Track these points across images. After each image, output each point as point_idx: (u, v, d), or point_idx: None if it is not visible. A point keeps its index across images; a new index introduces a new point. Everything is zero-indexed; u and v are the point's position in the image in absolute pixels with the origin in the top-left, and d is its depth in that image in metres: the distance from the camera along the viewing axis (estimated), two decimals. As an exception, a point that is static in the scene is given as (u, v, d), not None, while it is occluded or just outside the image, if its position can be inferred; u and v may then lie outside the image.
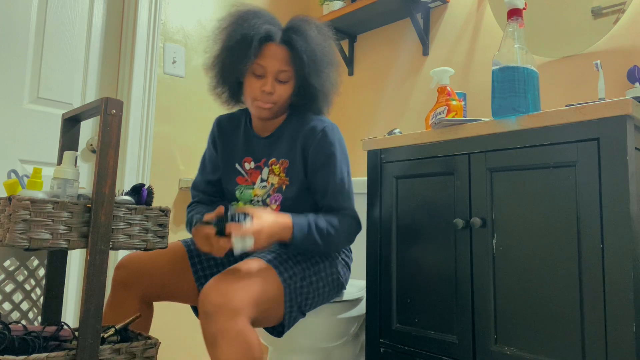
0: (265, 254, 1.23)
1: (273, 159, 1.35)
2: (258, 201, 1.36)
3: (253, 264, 1.16)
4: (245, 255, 1.38)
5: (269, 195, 1.34)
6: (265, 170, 1.36)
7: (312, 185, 1.33)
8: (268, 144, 1.37)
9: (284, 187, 1.33)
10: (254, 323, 1.13)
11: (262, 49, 1.26)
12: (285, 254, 1.25)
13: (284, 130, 1.36)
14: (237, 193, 1.39)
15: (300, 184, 1.32)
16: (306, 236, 1.20)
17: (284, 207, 1.33)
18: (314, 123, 1.32)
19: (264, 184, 1.35)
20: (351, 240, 1.30)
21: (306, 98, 1.35)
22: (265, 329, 1.23)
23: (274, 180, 1.34)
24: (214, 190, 1.48)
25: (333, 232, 1.24)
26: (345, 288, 1.39)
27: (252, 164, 1.38)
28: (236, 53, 1.26)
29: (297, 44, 1.25)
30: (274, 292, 1.15)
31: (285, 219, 1.19)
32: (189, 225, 1.38)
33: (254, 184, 1.37)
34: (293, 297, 1.20)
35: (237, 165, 1.40)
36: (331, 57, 1.33)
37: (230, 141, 1.43)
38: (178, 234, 2.04)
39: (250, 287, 1.10)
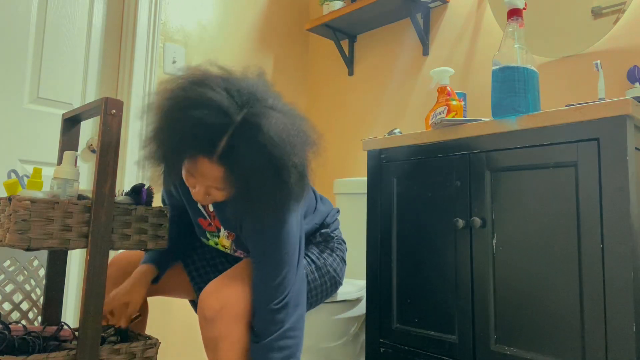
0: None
1: (228, 232, 1.22)
2: (226, 249, 1.28)
3: (252, 267, 1.16)
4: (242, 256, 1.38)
5: (234, 250, 1.27)
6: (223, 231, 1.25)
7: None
8: (219, 205, 1.20)
9: (240, 253, 1.27)
10: None
11: (194, 159, 0.98)
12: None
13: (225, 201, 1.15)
14: (206, 235, 1.28)
15: None
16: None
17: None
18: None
19: (226, 233, 1.24)
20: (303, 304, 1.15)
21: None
22: None
23: (226, 243, 1.25)
24: (183, 209, 1.33)
25: (291, 330, 1.10)
26: (341, 284, 1.38)
27: (212, 208, 1.22)
28: (166, 158, 1.00)
29: (232, 168, 0.96)
30: None
31: None
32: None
33: (218, 230, 1.24)
34: None
35: (199, 205, 1.24)
36: (284, 174, 0.98)
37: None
38: (178, 234, 2.04)
39: (249, 291, 1.10)
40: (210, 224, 1.25)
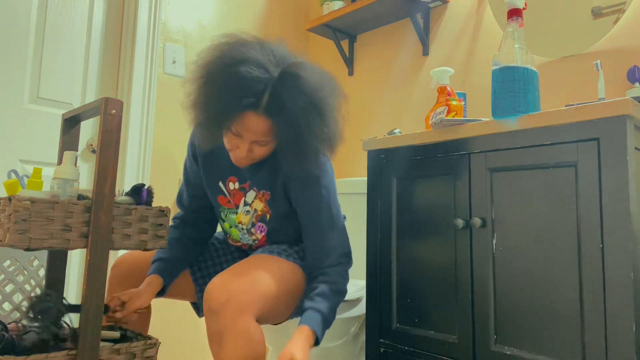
0: (272, 248, 1.23)
1: (262, 192, 1.25)
2: (242, 229, 1.29)
3: (258, 259, 1.16)
4: (250, 251, 1.38)
5: (253, 225, 1.28)
6: (251, 194, 1.26)
7: (300, 222, 1.25)
8: (251, 172, 1.25)
9: (267, 216, 1.26)
10: (261, 320, 1.13)
11: (239, 115, 1.07)
12: (290, 247, 1.25)
13: (266, 160, 1.23)
14: (223, 215, 1.31)
15: (284, 215, 1.26)
16: (326, 326, 1.16)
17: (269, 237, 1.28)
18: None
19: (247, 208, 1.26)
20: (344, 294, 1.25)
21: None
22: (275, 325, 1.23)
23: (259, 206, 1.25)
24: (199, 205, 1.36)
25: (336, 301, 1.19)
26: None
27: (237, 185, 1.27)
28: (210, 117, 1.08)
29: (277, 118, 1.06)
30: (284, 285, 1.15)
31: (306, 335, 1.10)
32: (155, 257, 1.29)
33: (237, 206, 1.27)
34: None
35: (220, 184, 1.29)
36: (324, 116, 1.09)
37: (214, 155, 1.28)
38: (178, 234, 2.04)
39: (258, 283, 1.09)
40: (229, 202, 1.28)
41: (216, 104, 1.05)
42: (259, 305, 1.08)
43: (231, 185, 1.27)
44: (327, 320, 1.15)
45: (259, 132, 1.08)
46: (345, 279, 1.23)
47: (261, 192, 1.24)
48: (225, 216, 1.30)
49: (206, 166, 1.29)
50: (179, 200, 1.37)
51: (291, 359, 1.03)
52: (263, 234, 1.28)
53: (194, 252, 1.34)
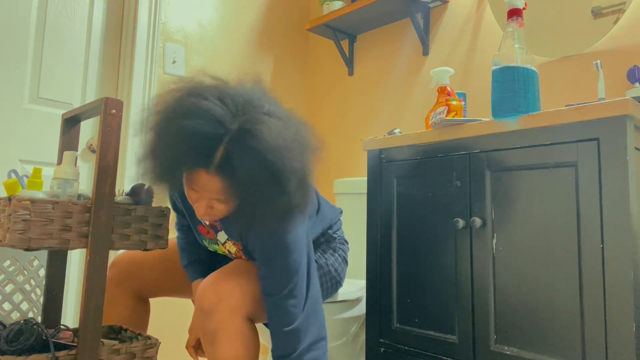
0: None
1: (233, 242, 1.20)
2: (231, 254, 1.26)
3: (252, 261, 1.16)
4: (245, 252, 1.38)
5: (235, 256, 1.24)
6: (222, 235, 1.21)
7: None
8: (221, 222, 1.19)
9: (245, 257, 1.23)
10: (256, 319, 1.13)
11: (192, 172, 0.96)
12: None
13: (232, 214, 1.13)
14: (205, 242, 1.28)
15: None
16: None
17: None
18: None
19: (223, 247, 1.24)
20: (321, 313, 1.15)
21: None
22: (266, 325, 1.23)
23: (232, 249, 1.22)
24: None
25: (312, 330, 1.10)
26: (342, 285, 1.39)
27: (206, 222, 1.22)
28: (162, 175, 0.98)
29: (229, 178, 0.93)
30: None
31: None
32: (184, 261, 1.28)
33: (216, 240, 1.24)
34: None
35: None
36: (285, 184, 0.94)
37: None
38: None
39: (249, 283, 1.09)
40: (208, 232, 1.24)
41: (165, 160, 0.94)
42: (250, 305, 1.08)
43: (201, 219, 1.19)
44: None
45: (213, 190, 0.96)
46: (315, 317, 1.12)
47: (233, 241, 1.20)
48: (208, 244, 1.27)
49: (183, 196, 1.24)
50: (174, 206, 1.33)
51: None
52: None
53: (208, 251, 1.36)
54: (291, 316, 1.06)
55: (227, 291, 1.06)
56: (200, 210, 1.00)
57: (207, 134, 0.91)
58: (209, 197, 0.98)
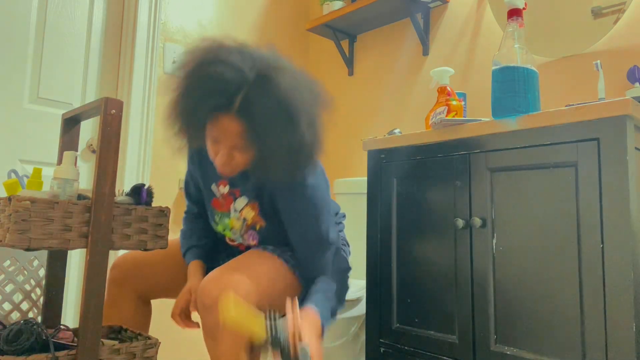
0: (266, 246, 1.23)
1: (251, 204, 1.23)
2: (235, 233, 1.28)
3: (254, 256, 1.16)
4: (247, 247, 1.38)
5: (245, 231, 1.26)
6: (241, 201, 1.24)
7: (288, 235, 1.23)
8: (243, 175, 1.23)
9: (257, 226, 1.24)
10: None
11: (213, 117, 1.06)
12: (287, 251, 1.24)
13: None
14: (216, 217, 1.30)
15: (276, 225, 1.24)
16: (330, 314, 1.16)
17: (262, 243, 1.27)
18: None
19: (238, 214, 1.25)
20: (346, 283, 1.26)
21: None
22: None
23: (249, 215, 1.24)
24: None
25: (336, 289, 1.20)
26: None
27: (227, 189, 1.26)
28: (187, 119, 1.08)
29: (250, 120, 1.03)
30: (277, 280, 1.15)
31: (314, 319, 1.09)
32: (184, 248, 1.32)
33: (229, 210, 1.27)
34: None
35: (212, 186, 1.28)
36: (299, 124, 1.04)
37: (206, 158, 1.29)
38: (178, 234, 2.04)
39: (251, 278, 1.09)
40: (222, 205, 1.27)
41: (190, 105, 1.05)
42: (252, 300, 1.08)
43: (221, 189, 1.27)
44: (330, 305, 1.16)
45: (233, 134, 1.05)
46: (344, 287, 1.23)
47: (251, 203, 1.23)
48: (219, 219, 1.29)
49: (201, 169, 1.29)
50: (187, 191, 1.39)
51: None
52: (255, 241, 1.27)
53: (212, 240, 1.37)
54: (323, 252, 1.19)
55: (229, 284, 1.05)
56: (221, 159, 1.09)
57: (229, 80, 1.02)
58: (230, 143, 1.07)
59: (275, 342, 0.98)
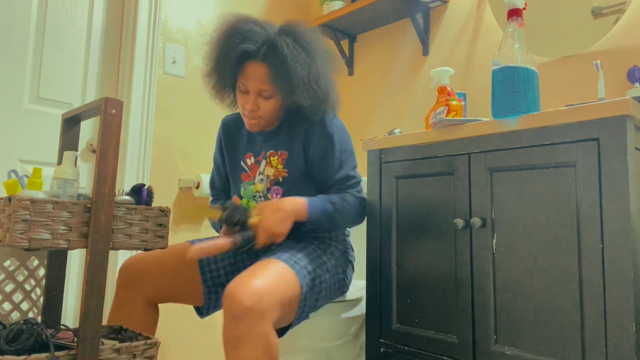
0: (280, 254, 1.22)
1: (271, 151, 1.38)
2: (260, 196, 1.37)
3: (272, 265, 1.15)
4: (259, 253, 1.39)
5: (268, 190, 1.36)
6: (263, 163, 1.39)
7: (315, 176, 1.36)
8: (268, 138, 1.39)
9: (280, 179, 1.35)
10: (276, 324, 1.13)
11: (242, 67, 1.27)
12: (298, 252, 1.24)
13: (283, 125, 1.39)
14: (242, 190, 1.41)
15: (299, 175, 1.34)
16: (321, 209, 1.27)
17: (285, 194, 1.36)
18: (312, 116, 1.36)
19: (261, 177, 1.38)
20: (363, 215, 1.37)
21: (298, 107, 1.34)
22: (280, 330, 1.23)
23: (270, 172, 1.36)
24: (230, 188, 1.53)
25: (347, 206, 1.30)
26: (348, 289, 1.39)
27: (252, 159, 1.41)
28: (220, 72, 1.29)
29: (274, 62, 1.24)
30: (293, 294, 1.15)
31: (296, 198, 1.26)
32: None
33: (254, 178, 1.40)
34: (307, 298, 1.19)
35: (241, 162, 1.44)
36: (317, 66, 1.28)
37: (235, 140, 1.47)
38: (178, 234, 2.04)
39: (276, 289, 1.09)
40: (249, 176, 1.41)
41: (222, 53, 1.26)
42: (277, 311, 1.08)
43: (248, 161, 1.42)
44: (325, 207, 1.27)
45: (260, 78, 1.25)
46: (361, 206, 1.36)
47: (279, 153, 1.37)
48: (245, 190, 1.41)
49: (230, 151, 1.46)
50: (212, 187, 1.55)
51: (271, 233, 1.19)
52: (279, 197, 1.35)
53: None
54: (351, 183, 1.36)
55: (259, 296, 1.05)
56: (248, 107, 1.28)
57: (255, 32, 1.26)
58: (257, 88, 1.27)
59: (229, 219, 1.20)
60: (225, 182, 1.53)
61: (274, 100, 1.29)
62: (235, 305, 1.04)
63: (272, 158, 1.38)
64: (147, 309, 1.30)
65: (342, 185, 1.34)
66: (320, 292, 1.24)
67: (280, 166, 1.36)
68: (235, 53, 1.24)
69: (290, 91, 1.25)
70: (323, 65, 1.29)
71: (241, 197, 1.41)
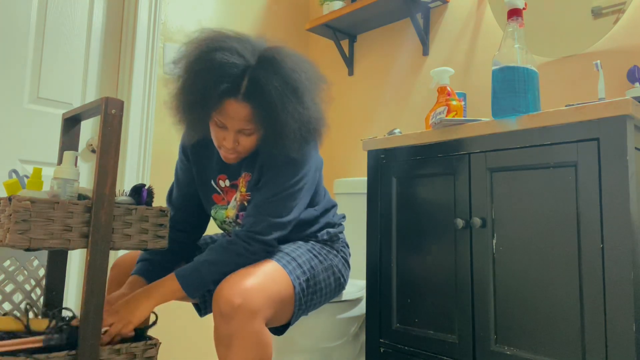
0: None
1: (245, 173, 1.25)
2: (230, 222, 1.29)
3: (263, 264, 1.15)
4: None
5: (237, 216, 1.27)
6: (242, 179, 1.27)
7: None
8: (242, 160, 1.25)
9: (245, 203, 1.25)
10: (269, 323, 1.13)
11: (220, 105, 1.08)
12: (292, 252, 1.24)
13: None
14: (212, 212, 1.31)
15: None
16: (200, 278, 1.11)
17: None
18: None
19: (235, 203, 1.27)
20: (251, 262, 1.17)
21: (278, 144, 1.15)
22: (275, 330, 1.23)
23: (238, 196, 1.26)
24: (191, 205, 1.35)
25: (230, 259, 1.14)
26: (345, 287, 1.39)
27: (227, 182, 1.28)
28: (193, 106, 1.09)
29: (257, 102, 1.07)
30: (285, 292, 1.15)
31: (161, 281, 1.11)
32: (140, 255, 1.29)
33: (229, 203, 1.28)
34: (302, 297, 1.19)
35: (212, 182, 1.29)
36: (304, 102, 1.09)
37: (204, 155, 1.30)
38: (178, 234, 2.04)
39: (266, 287, 1.09)
40: (223, 199, 1.29)
41: (195, 93, 1.06)
42: (270, 309, 1.08)
43: (221, 183, 1.28)
44: (200, 272, 1.11)
45: (241, 118, 1.09)
46: (253, 249, 1.15)
47: (243, 174, 1.24)
48: (216, 212, 1.30)
49: (198, 167, 1.30)
50: (170, 202, 1.37)
51: (127, 323, 1.03)
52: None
53: (181, 256, 1.33)
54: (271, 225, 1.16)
55: (248, 295, 1.05)
56: (227, 145, 1.12)
57: (233, 65, 1.05)
58: (237, 128, 1.11)
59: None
60: (184, 197, 1.34)
61: (256, 136, 1.14)
62: (224, 304, 1.04)
63: (241, 180, 1.26)
64: None
65: (255, 228, 1.15)
66: (315, 292, 1.24)
67: (243, 189, 1.25)
68: (212, 93, 1.06)
69: (274, 131, 1.09)
70: (310, 98, 1.11)
71: (214, 219, 1.32)
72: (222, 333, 1.05)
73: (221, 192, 1.29)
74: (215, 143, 1.15)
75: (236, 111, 1.08)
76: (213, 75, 1.05)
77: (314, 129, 1.14)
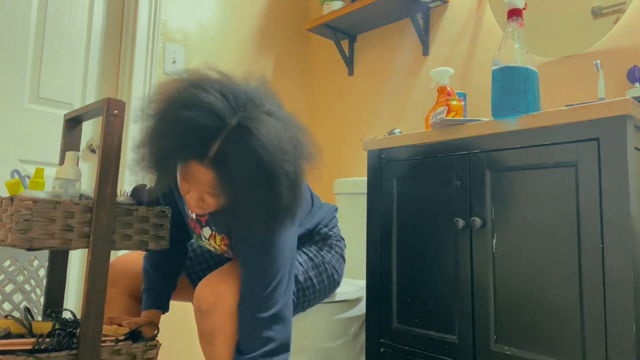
0: None
1: (213, 230, 1.18)
2: (216, 249, 1.25)
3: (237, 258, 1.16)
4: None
5: (223, 252, 1.25)
6: (207, 230, 1.21)
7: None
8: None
9: (230, 253, 1.24)
10: None
11: (186, 163, 0.95)
12: None
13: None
14: (194, 237, 1.28)
15: None
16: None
17: None
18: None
19: (208, 242, 1.23)
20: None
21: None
22: None
23: (217, 244, 1.21)
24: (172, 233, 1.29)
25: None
26: (340, 283, 1.38)
27: (194, 215, 1.21)
28: (157, 163, 0.97)
29: (224, 173, 0.93)
30: None
31: None
32: (146, 285, 1.25)
33: (201, 235, 1.24)
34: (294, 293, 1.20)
35: (185, 207, 1.22)
36: (277, 186, 0.93)
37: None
38: (178, 234, 2.04)
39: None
40: (194, 226, 1.24)
41: (161, 149, 0.95)
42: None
43: (189, 213, 1.21)
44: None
45: (206, 183, 0.95)
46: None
47: (221, 236, 1.19)
48: (196, 238, 1.28)
49: (179, 193, 1.23)
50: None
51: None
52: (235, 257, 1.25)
53: (176, 276, 1.31)
54: (265, 315, 1.05)
55: (225, 292, 1.06)
56: (191, 201, 1.00)
57: (205, 126, 0.90)
58: (201, 190, 0.97)
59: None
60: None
61: (221, 198, 0.99)
62: (201, 301, 1.06)
63: (215, 234, 1.20)
64: (132, 303, 1.33)
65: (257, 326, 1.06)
66: (308, 287, 1.24)
67: (224, 247, 1.21)
68: (177, 157, 0.95)
69: (239, 208, 0.98)
70: (286, 184, 0.94)
71: (195, 239, 1.30)
72: (203, 330, 1.06)
73: (191, 221, 1.23)
74: (181, 191, 1.02)
75: (200, 175, 0.94)
76: (179, 136, 0.91)
77: (279, 217, 0.99)
